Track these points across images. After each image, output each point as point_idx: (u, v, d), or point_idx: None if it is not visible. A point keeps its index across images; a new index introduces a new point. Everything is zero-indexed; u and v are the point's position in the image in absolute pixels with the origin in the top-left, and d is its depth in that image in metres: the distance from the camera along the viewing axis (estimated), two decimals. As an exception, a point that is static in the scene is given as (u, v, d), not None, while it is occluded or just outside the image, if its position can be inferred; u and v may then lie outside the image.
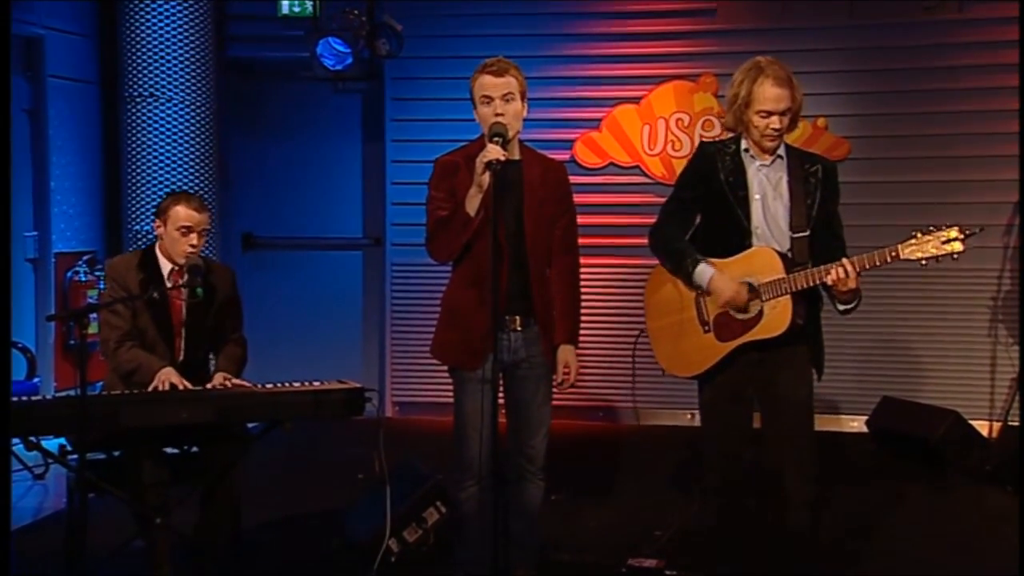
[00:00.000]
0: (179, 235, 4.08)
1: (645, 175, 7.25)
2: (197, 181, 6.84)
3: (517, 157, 3.75)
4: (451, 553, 4.06)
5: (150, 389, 3.93)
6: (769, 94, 3.56)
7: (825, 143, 6.85)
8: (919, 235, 3.45)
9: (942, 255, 3.43)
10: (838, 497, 5.12)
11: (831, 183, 3.69)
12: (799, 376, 3.68)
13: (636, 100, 7.24)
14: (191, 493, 4.10)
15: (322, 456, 6.28)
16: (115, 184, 7.15)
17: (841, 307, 3.61)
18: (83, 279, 7.02)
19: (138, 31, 6.76)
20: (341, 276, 7.80)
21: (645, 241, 3.86)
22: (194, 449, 4.18)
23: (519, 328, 3.78)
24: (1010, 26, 6.39)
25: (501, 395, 3.61)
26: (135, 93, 6.80)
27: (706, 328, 3.70)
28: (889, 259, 3.47)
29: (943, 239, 3.43)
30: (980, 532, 4.93)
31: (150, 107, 6.78)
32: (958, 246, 3.43)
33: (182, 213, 4.09)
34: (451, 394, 3.85)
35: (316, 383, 4.11)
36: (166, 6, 6.74)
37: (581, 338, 3.94)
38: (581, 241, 3.96)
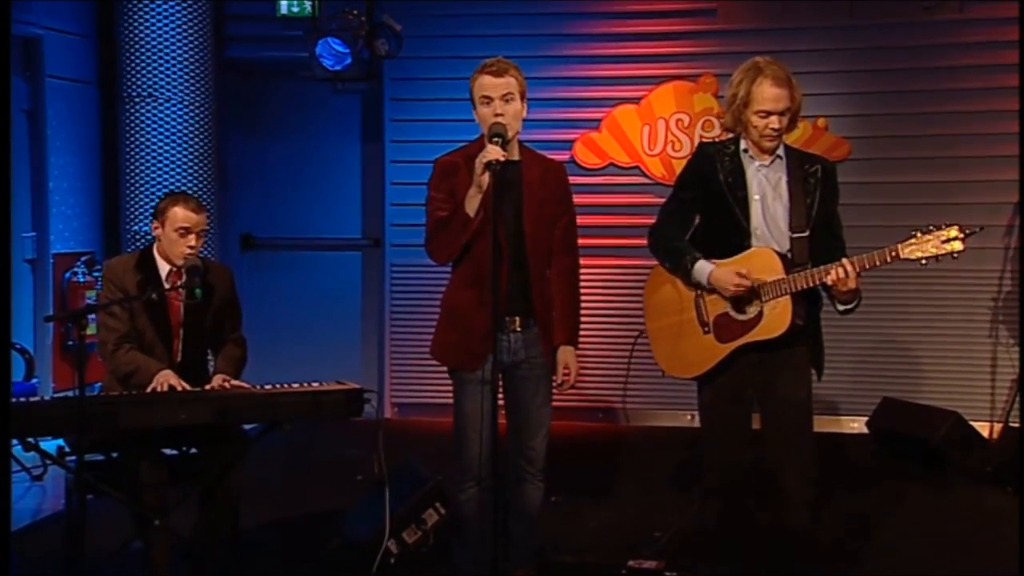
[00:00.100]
0: (177, 236, 4.06)
1: (645, 175, 7.24)
2: (196, 181, 6.83)
3: (517, 157, 3.74)
4: (450, 554, 4.05)
5: (148, 391, 3.92)
6: (768, 94, 3.56)
7: (825, 143, 6.84)
8: (919, 235, 3.45)
9: (942, 254, 3.43)
10: (838, 497, 5.12)
11: (830, 183, 3.69)
12: (799, 377, 3.67)
13: (636, 100, 7.23)
14: (190, 494, 4.09)
15: (321, 457, 6.27)
16: (114, 184, 7.14)
17: (841, 307, 3.61)
18: (81, 280, 7.00)
19: (137, 31, 6.75)
20: (340, 277, 7.79)
21: (645, 242, 3.86)
22: (193, 450, 4.17)
23: (519, 329, 3.77)
24: (1010, 26, 6.38)
25: (501, 396, 3.60)
26: (134, 93, 6.79)
27: (706, 329, 3.69)
28: (889, 259, 3.46)
29: (943, 238, 3.42)
30: (980, 532, 4.92)
31: (149, 107, 6.78)
32: (958, 245, 3.42)
33: (180, 214, 4.06)
34: (450, 395, 3.84)
35: (315, 384, 4.10)
36: (165, 6, 6.74)
37: (581, 339, 3.94)
38: (581, 242, 3.96)
